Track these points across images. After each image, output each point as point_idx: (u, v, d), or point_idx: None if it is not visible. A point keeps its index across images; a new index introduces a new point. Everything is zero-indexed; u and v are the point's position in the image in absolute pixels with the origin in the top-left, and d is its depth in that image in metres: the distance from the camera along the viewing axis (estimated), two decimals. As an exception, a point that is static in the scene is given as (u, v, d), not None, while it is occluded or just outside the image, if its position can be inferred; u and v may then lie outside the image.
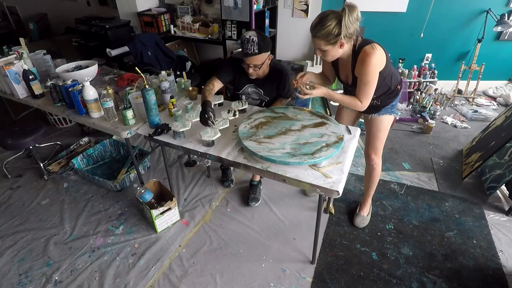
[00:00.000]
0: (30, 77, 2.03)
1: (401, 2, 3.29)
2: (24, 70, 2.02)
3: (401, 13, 3.35)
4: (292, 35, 3.75)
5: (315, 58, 3.65)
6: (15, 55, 2.27)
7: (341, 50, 1.37)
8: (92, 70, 2.19)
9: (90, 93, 1.76)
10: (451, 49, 3.52)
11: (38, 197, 2.21)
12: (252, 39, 1.59)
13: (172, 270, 1.69)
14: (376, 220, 1.98)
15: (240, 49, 1.69)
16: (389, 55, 1.47)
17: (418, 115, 3.16)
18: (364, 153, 1.81)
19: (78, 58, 2.53)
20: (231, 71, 1.85)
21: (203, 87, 1.76)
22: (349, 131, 1.61)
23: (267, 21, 3.43)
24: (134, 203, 2.13)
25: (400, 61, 3.56)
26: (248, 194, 2.13)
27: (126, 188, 2.28)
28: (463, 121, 3.15)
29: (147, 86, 1.57)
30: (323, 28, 1.28)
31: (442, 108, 3.32)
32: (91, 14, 3.78)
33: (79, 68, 2.23)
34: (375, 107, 1.61)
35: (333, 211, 2.03)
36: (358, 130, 1.64)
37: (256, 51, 1.61)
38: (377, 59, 1.34)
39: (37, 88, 2.07)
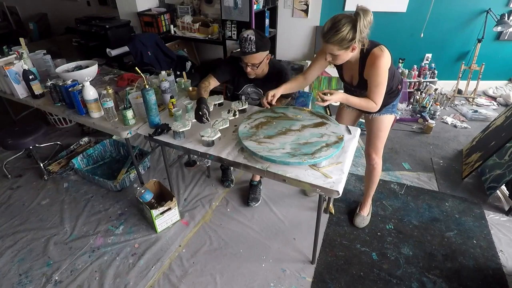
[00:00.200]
0: (30, 77, 2.03)
1: (401, 2, 3.29)
2: (24, 70, 2.02)
3: (401, 13, 3.35)
4: (292, 35, 3.75)
5: (315, 58, 3.65)
6: (15, 55, 2.27)
7: (351, 54, 1.37)
8: (92, 70, 2.19)
9: (90, 93, 1.76)
10: (451, 49, 3.52)
11: (38, 197, 2.21)
12: (250, 38, 1.60)
13: (172, 270, 1.69)
14: (376, 220, 1.98)
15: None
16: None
17: (418, 115, 3.16)
18: (365, 152, 1.81)
19: (78, 58, 2.53)
20: (229, 71, 1.85)
21: (198, 84, 1.77)
22: (349, 131, 1.61)
23: (267, 21, 3.43)
24: (134, 203, 2.13)
25: (400, 61, 3.56)
26: (248, 194, 2.13)
27: (126, 188, 2.28)
28: (463, 121, 3.15)
29: (147, 86, 1.57)
30: (337, 33, 1.26)
31: (442, 108, 3.32)
32: (91, 14, 3.78)
33: (79, 68, 2.23)
34: None
35: (333, 211, 2.03)
36: (358, 130, 1.64)
37: (254, 49, 1.62)
38: (386, 61, 1.35)
39: (37, 88, 2.07)
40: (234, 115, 1.75)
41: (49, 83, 1.95)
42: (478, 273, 1.67)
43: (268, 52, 1.71)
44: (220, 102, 1.90)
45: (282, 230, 1.92)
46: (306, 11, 3.55)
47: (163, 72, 2.03)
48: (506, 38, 3.36)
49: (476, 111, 3.22)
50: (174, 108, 1.73)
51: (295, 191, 2.22)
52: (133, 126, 1.75)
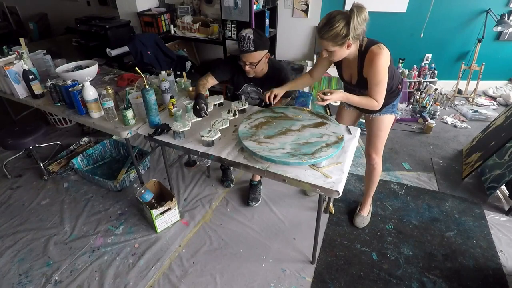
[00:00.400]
0: (30, 77, 2.03)
1: (401, 2, 3.29)
2: (24, 70, 2.02)
3: (401, 13, 3.35)
4: (292, 35, 3.75)
5: (315, 58, 3.65)
6: (15, 55, 2.27)
7: (347, 51, 1.37)
8: (92, 70, 2.19)
9: (90, 93, 1.76)
10: (451, 49, 3.52)
11: (38, 197, 2.21)
12: (248, 36, 1.61)
13: (172, 270, 1.69)
14: (376, 220, 1.98)
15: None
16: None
17: (418, 115, 3.16)
18: (365, 152, 1.81)
19: (78, 58, 2.53)
20: (228, 70, 1.86)
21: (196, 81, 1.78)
22: (349, 131, 1.61)
23: (267, 21, 3.43)
24: (134, 203, 2.13)
25: (400, 61, 3.56)
26: (248, 194, 2.13)
27: (126, 188, 2.28)
28: (463, 121, 3.15)
29: (147, 86, 1.57)
30: (331, 29, 1.27)
31: (442, 108, 3.32)
32: (91, 14, 3.78)
33: (79, 68, 2.23)
34: None
35: (333, 211, 2.03)
36: (358, 130, 1.64)
37: (252, 48, 1.63)
38: (385, 59, 1.35)
39: (37, 88, 2.07)
40: (234, 115, 1.75)
41: (49, 83, 1.95)
42: (478, 273, 1.67)
43: (267, 51, 1.72)
44: (220, 102, 1.90)
45: (282, 230, 1.92)
46: (306, 11, 3.55)
47: (163, 72, 2.03)
48: (506, 38, 3.36)
49: (476, 111, 3.22)
50: (174, 108, 1.73)
51: (295, 191, 2.22)
52: (133, 126, 1.75)
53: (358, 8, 1.25)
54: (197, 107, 1.57)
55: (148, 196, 1.84)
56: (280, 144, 1.40)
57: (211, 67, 1.89)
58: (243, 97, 1.96)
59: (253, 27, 3.08)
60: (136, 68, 1.68)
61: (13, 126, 2.35)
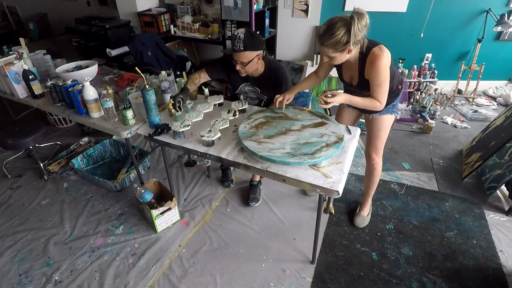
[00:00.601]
0: (30, 77, 2.03)
1: (401, 2, 3.29)
2: (24, 70, 2.02)
3: (401, 13, 3.35)
4: (292, 35, 3.75)
5: (315, 58, 3.66)
6: (15, 55, 2.27)
7: (348, 55, 1.37)
8: (92, 70, 2.19)
9: (90, 93, 1.76)
10: (451, 49, 3.52)
11: (38, 197, 2.21)
12: (239, 36, 1.62)
13: (172, 270, 1.69)
14: (376, 220, 1.98)
15: None
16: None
17: (418, 115, 3.16)
18: (365, 153, 1.81)
19: (78, 58, 2.53)
20: (222, 68, 1.87)
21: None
22: (349, 131, 1.61)
23: (267, 21, 3.43)
24: (134, 203, 2.13)
25: (400, 61, 3.56)
26: (248, 194, 2.13)
27: (126, 188, 2.28)
28: (463, 121, 3.15)
29: (147, 86, 1.57)
30: (332, 37, 1.26)
31: (442, 108, 3.32)
32: (91, 14, 3.78)
33: (79, 68, 2.23)
34: None
35: (333, 211, 2.03)
36: (358, 130, 1.64)
37: (242, 48, 1.63)
38: (386, 59, 1.35)
39: (37, 88, 2.07)
40: (234, 115, 1.75)
41: (49, 83, 1.95)
42: (478, 273, 1.67)
43: (260, 52, 1.71)
44: (220, 102, 1.90)
45: (282, 230, 1.92)
46: (306, 11, 3.55)
47: (163, 72, 2.03)
48: (506, 38, 3.36)
49: (476, 111, 3.22)
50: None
51: (295, 191, 2.22)
52: (133, 126, 1.75)
53: (358, 14, 1.24)
54: (174, 99, 1.60)
55: (148, 196, 1.84)
56: (280, 144, 1.40)
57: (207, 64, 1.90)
58: (241, 97, 1.96)
59: (253, 27, 3.08)
60: (136, 68, 1.68)
61: (13, 126, 2.35)
